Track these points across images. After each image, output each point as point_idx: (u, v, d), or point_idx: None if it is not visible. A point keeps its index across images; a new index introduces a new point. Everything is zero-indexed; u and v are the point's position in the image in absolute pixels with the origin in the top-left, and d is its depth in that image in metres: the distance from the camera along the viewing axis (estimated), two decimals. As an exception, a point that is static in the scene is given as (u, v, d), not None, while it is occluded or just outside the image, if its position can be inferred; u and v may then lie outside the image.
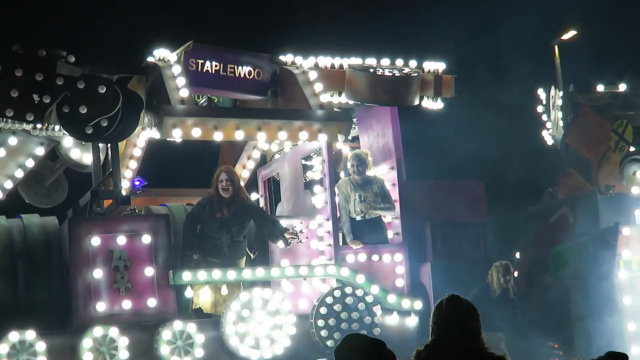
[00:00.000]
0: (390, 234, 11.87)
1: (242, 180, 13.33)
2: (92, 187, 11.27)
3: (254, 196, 13.28)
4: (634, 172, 12.31)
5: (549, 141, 14.72)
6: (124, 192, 11.55)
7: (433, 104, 12.09)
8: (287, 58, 11.83)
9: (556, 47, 22.60)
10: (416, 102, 11.80)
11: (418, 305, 11.39)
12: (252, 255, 11.45)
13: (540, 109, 14.45)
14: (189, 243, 11.02)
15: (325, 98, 11.31)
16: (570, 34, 22.49)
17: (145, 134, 11.69)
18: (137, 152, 12.24)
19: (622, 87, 14.14)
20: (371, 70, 11.56)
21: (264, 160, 13.67)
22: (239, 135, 10.80)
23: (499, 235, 13.34)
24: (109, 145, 11.17)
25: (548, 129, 14.72)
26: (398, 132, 12.74)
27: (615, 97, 14.03)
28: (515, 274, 14.99)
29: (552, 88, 14.16)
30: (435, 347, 5.24)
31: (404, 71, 11.60)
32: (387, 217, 11.88)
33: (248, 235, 11.35)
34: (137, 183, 12.52)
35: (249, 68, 11.62)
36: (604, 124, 13.10)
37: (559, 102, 14.11)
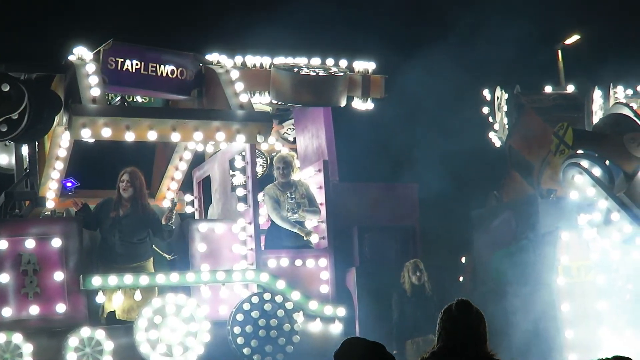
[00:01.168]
0: (315, 239, 11.53)
1: (176, 182, 13.09)
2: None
3: (188, 197, 13.00)
4: (572, 176, 11.93)
5: (497, 143, 14.38)
6: (52, 194, 11.31)
7: (362, 105, 11.75)
8: (212, 57, 11.52)
9: (559, 51, 22.45)
10: (343, 102, 11.49)
11: (341, 312, 11.07)
12: (168, 257, 11.12)
13: (486, 110, 14.10)
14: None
15: (245, 98, 10.99)
16: (573, 39, 22.42)
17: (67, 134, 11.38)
18: (62, 153, 11.87)
19: (570, 88, 13.80)
20: (295, 69, 11.24)
21: (203, 160, 13.36)
22: (152, 136, 10.48)
23: (441, 239, 13.01)
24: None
25: (495, 131, 14.39)
26: (331, 133, 12.45)
27: (563, 98, 13.69)
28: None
29: (498, 89, 13.81)
30: (441, 353, 5.13)
31: (329, 71, 11.27)
32: (313, 220, 11.55)
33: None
34: (69, 184, 12.22)
35: (172, 67, 11.31)
36: (546, 127, 12.75)
37: (504, 103, 13.78)
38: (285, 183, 11.34)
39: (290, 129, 13.37)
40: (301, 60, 11.67)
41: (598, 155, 12.00)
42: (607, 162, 11.84)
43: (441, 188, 13.15)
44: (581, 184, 11.87)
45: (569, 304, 12.57)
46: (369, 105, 11.85)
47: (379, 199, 12.10)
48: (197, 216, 12.79)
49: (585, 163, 11.88)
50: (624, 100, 12.81)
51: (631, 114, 12.58)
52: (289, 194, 11.29)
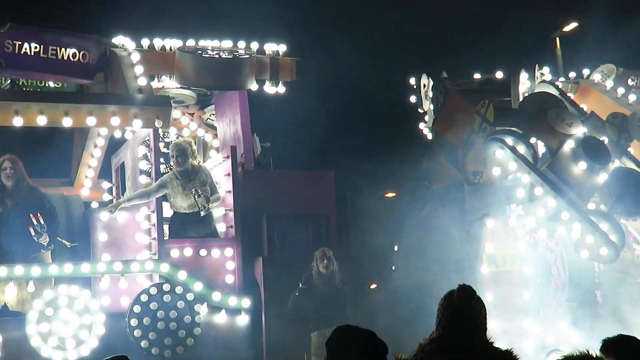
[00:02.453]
0: (223, 227, 11.15)
1: (93, 169, 12.73)
2: None
3: (105, 185, 12.64)
4: (494, 151, 11.59)
5: (428, 135, 13.87)
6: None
7: (272, 88, 11.36)
8: (118, 40, 11.14)
9: (557, 38, 22.14)
10: (250, 86, 11.11)
11: (246, 303, 10.69)
12: (68, 244, 10.72)
13: (413, 99, 13.63)
14: None
15: (144, 82, 10.61)
16: (571, 26, 22.17)
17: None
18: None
19: (499, 74, 13.39)
20: (199, 52, 10.84)
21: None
22: (42, 121, 10.09)
23: (370, 229, 12.61)
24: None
25: (425, 122, 13.92)
26: (247, 118, 12.06)
27: (490, 82, 13.27)
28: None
29: (424, 76, 13.34)
30: (441, 340, 4.91)
31: (234, 53, 10.87)
32: (219, 209, 11.17)
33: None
34: None
35: (74, 50, 10.91)
36: (469, 107, 12.39)
37: (430, 90, 13.34)
38: (183, 171, 10.90)
39: (213, 114, 12.97)
40: (210, 43, 11.27)
41: (523, 132, 11.74)
42: (533, 140, 11.57)
43: (363, 176, 12.74)
44: (502, 158, 11.59)
45: (492, 294, 12.22)
46: (280, 89, 11.43)
47: (293, 187, 11.71)
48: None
49: (508, 139, 11.59)
50: (549, 79, 12.45)
51: (556, 92, 12.26)
52: (195, 190, 10.81)
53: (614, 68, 13.08)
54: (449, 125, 12.73)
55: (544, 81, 12.41)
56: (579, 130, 11.72)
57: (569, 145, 11.65)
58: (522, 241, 12.29)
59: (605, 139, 11.81)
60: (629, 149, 12.17)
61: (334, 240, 11.66)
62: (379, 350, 4.70)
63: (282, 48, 11.35)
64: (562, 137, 11.59)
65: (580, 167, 11.57)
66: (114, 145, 12.78)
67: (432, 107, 13.24)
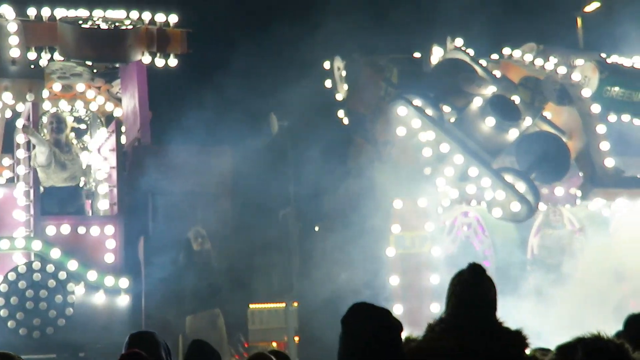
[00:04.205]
0: (105, 205, 10.77)
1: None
2: None
3: (6, 161, 12.27)
4: (397, 109, 11.23)
5: (345, 120, 13.32)
6: None
7: (161, 61, 10.92)
8: (2, 9, 10.73)
9: (579, 18, 21.72)
10: (135, 58, 10.68)
11: (124, 283, 10.32)
12: None
13: (329, 84, 13.10)
14: None
15: (17, 53, 10.20)
16: (593, 6, 21.76)
17: None
18: None
19: (418, 54, 12.90)
20: (79, 22, 10.42)
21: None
22: None
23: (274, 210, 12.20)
24: None
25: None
26: (144, 92, 11.63)
27: (404, 58, 12.78)
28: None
29: (337, 58, 12.84)
30: (451, 320, 4.82)
31: (116, 24, 10.43)
32: (104, 185, 10.80)
33: None
34: None
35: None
36: (377, 76, 12.02)
37: (344, 70, 12.85)
38: (58, 141, 10.52)
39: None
40: (98, 13, 10.83)
41: (431, 94, 11.49)
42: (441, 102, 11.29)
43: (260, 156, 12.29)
44: (406, 116, 11.30)
45: (398, 277, 11.79)
46: (172, 62, 10.99)
47: (188, 164, 11.25)
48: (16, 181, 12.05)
49: (412, 98, 11.32)
50: (460, 46, 12.02)
51: (467, 58, 11.87)
52: (61, 153, 10.46)
53: (534, 45, 12.71)
54: (359, 99, 12.35)
55: (455, 48, 11.96)
56: (489, 91, 11.51)
57: (476, 103, 11.43)
58: (434, 224, 11.87)
59: (516, 99, 11.55)
60: (545, 113, 11.94)
61: (230, 219, 11.24)
62: (394, 328, 4.57)
63: (172, 19, 10.88)
64: (470, 97, 11.39)
65: (488, 123, 11.31)
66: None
67: (345, 86, 12.78)
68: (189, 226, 10.84)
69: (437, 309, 11.47)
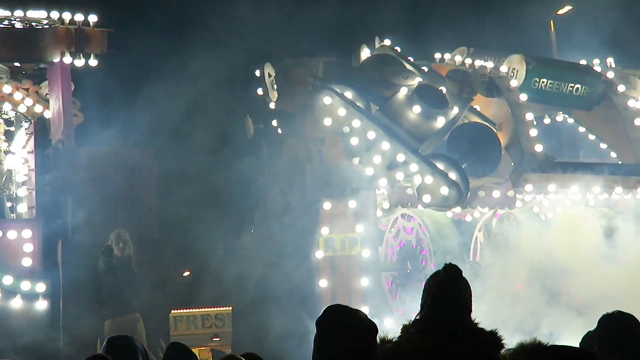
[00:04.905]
0: (24, 208, 10.56)
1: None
2: None
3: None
4: (323, 99, 11.15)
5: (279, 129, 13.15)
6: None
7: (81, 62, 10.74)
8: None
9: (552, 22, 21.72)
10: (54, 58, 10.52)
11: (41, 287, 10.13)
12: None
13: (260, 91, 12.95)
14: None
15: None
16: (565, 9, 21.78)
17: None
18: None
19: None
20: (-7, 22, 10.23)
21: None
22: None
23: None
24: None
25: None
26: (68, 93, 11.49)
27: (332, 62, 12.73)
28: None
29: (267, 65, 12.72)
30: (425, 321, 4.78)
31: (31, 23, 10.24)
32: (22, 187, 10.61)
33: None
34: None
35: None
36: (304, 72, 11.98)
37: (274, 75, 12.72)
38: None
39: (51, 89, 12.38)
40: (17, 13, 10.64)
41: (357, 85, 11.53)
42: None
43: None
44: (332, 106, 11.27)
45: (328, 280, 11.66)
46: (92, 62, 10.80)
47: (109, 166, 11.06)
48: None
49: (337, 88, 11.33)
50: (388, 44, 11.97)
51: (393, 54, 11.87)
52: None
53: (465, 49, 12.69)
54: (289, 98, 12.25)
55: (383, 46, 11.89)
56: (416, 81, 11.52)
57: (403, 92, 11.42)
58: (367, 226, 11.72)
59: (444, 89, 11.56)
60: (475, 106, 11.93)
61: (155, 223, 11.07)
62: (369, 330, 4.52)
63: (92, 18, 10.70)
64: (398, 87, 11.40)
65: (414, 110, 11.32)
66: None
67: (276, 92, 12.69)
68: (110, 229, 10.66)
69: (367, 311, 11.33)
